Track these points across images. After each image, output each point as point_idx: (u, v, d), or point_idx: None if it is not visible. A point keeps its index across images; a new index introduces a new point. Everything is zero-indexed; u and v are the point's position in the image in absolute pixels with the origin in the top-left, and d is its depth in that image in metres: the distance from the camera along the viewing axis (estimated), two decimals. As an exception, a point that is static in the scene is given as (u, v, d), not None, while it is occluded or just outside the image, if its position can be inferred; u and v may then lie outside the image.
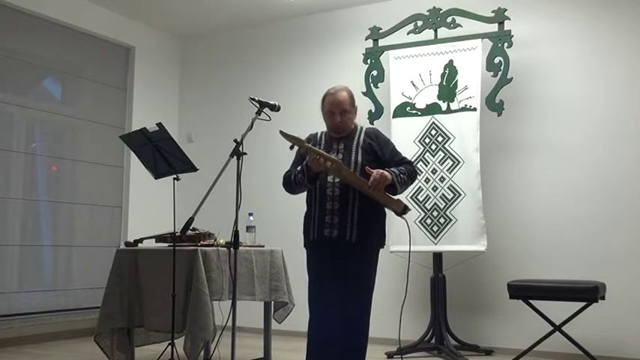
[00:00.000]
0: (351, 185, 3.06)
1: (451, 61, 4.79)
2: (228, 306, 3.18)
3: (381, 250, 3.26)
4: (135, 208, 6.07)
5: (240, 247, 3.41)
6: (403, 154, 3.26)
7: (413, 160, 4.76)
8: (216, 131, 6.24)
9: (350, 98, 3.21)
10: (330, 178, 3.11)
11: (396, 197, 3.11)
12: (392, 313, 3.90)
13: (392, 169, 3.09)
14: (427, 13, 4.99)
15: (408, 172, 3.16)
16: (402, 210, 3.09)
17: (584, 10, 4.83)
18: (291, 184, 3.23)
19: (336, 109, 3.17)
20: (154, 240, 4.02)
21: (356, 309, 3.14)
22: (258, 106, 3.19)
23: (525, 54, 4.89)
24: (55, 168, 5.58)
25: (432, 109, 4.80)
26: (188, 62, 6.73)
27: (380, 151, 3.18)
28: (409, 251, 3.45)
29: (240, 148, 3.05)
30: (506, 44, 4.68)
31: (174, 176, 3.67)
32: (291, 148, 3.06)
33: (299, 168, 3.18)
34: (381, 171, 3.01)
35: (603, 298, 3.96)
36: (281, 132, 2.98)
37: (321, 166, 3.00)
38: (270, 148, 5.08)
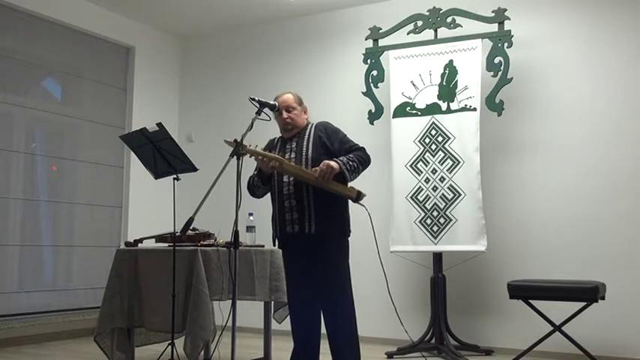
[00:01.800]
0: (302, 180, 3.18)
1: (451, 61, 4.79)
2: (228, 306, 3.18)
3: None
4: (135, 208, 6.07)
5: (240, 247, 3.41)
6: (354, 142, 3.35)
7: (412, 160, 4.78)
8: (216, 131, 6.23)
9: (295, 97, 3.42)
10: (285, 178, 3.26)
11: (348, 185, 3.24)
12: (391, 313, 3.89)
13: (340, 158, 3.20)
14: (427, 13, 4.99)
15: (358, 158, 3.25)
16: (355, 196, 3.22)
17: (584, 10, 4.83)
18: (250, 187, 3.43)
19: (282, 106, 3.36)
20: (154, 240, 4.02)
21: (334, 301, 3.19)
22: (257, 106, 3.23)
23: (525, 54, 4.90)
24: (55, 168, 5.58)
25: (432, 109, 4.80)
26: (188, 62, 6.73)
27: (329, 141, 3.29)
28: (375, 240, 3.47)
29: (240, 148, 3.05)
30: (506, 44, 4.68)
31: (174, 176, 3.67)
32: (232, 155, 3.08)
33: (255, 172, 3.38)
34: (327, 161, 3.13)
35: (603, 298, 3.96)
36: (225, 140, 3.11)
37: (267, 167, 3.18)
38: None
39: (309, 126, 3.41)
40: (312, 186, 3.19)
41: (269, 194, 3.44)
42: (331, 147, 3.28)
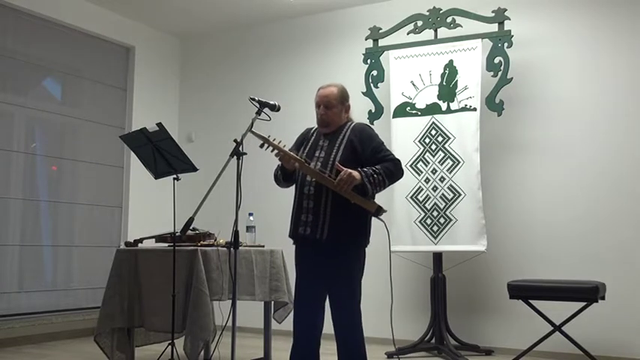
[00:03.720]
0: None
1: (451, 61, 4.79)
2: (228, 306, 3.18)
3: (367, 248, 3.22)
4: (135, 208, 6.07)
5: (240, 247, 3.41)
6: (388, 152, 3.17)
7: (412, 160, 4.78)
8: (216, 131, 6.24)
9: (339, 93, 3.21)
10: (308, 177, 3.12)
11: (370, 198, 3.05)
12: (392, 313, 3.89)
13: (365, 168, 3.03)
14: (427, 13, 4.99)
15: (387, 171, 3.07)
16: (374, 211, 3.03)
17: (583, 10, 4.83)
18: (275, 177, 3.32)
19: (322, 101, 3.21)
20: (154, 240, 4.02)
21: (341, 303, 3.15)
22: (258, 106, 3.20)
23: (525, 54, 4.90)
24: (55, 168, 5.58)
25: (432, 109, 4.80)
26: (188, 62, 6.73)
27: (360, 147, 3.12)
28: (389, 253, 3.43)
29: (240, 148, 3.05)
30: (506, 44, 4.68)
31: (174, 176, 3.67)
32: (261, 146, 3.09)
33: (279, 164, 3.25)
34: (350, 170, 2.96)
35: (603, 298, 3.96)
36: (252, 132, 3.04)
37: (290, 164, 3.08)
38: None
39: (348, 125, 3.22)
40: (333, 190, 3.03)
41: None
42: (362, 153, 3.11)
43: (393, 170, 3.11)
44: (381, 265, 3.53)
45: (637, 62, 4.62)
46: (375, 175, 3.03)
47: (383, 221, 3.13)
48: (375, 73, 5.13)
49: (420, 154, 4.78)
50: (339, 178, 2.95)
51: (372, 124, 5.08)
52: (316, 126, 3.32)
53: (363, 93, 5.14)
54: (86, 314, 5.47)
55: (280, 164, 3.24)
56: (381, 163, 3.09)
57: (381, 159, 3.11)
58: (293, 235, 3.20)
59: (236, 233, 3.08)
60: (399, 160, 3.16)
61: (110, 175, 6.01)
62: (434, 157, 4.73)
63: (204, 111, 6.51)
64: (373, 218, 3.17)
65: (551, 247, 4.73)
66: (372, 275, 3.69)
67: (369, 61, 5.16)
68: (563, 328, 3.97)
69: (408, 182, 4.77)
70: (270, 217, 5.37)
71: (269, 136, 3.07)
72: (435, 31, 4.97)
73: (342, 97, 3.23)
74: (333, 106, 3.19)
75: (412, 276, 5.09)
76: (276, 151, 3.09)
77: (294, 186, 3.28)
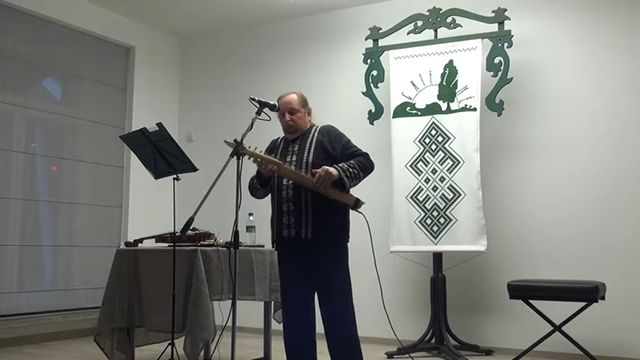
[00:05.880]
0: (301, 185, 3.14)
1: (451, 61, 4.79)
2: (228, 306, 3.18)
3: (349, 244, 3.31)
4: (135, 208, 6.07)
5: (240, 247, 3.41)
6: (358, 147, 3.29)
7: (412, 160, 4.78)
8: (216, 131, 6.23)
9: (299, 99, 3.35)
10: (284, 181, 3.21)
11: (347, 192, 3.17)
12: (391, 313, 3.89)
13: (340, 164, 3.14)
14: (427, 13, 4.99)
15: (360, 165, 3.19)
16: (354, 204, 3.16)
17: (584, 10, 4.83)
18: (250, 188, 3.41)
19: (285, 108, 3.31)
20: (154, 240, 4.02)
21: (333, 305, 3.17)
22: (258, 106, 3.22)
23: (525, 54, 4.90)
24: (55, 168, 5.58)
25: (432, 109, 4.80)
26: (188, 62, 6.73)
27: (331, 146, 3.24)
28: (372, 249, 3.39)
29: (240, 148, 3.05)
30: (506, 44, 4.68)
31: (174, 176, 3.67)
32: (237, 153, 3.09)
33: (255, 173, 3.34)
34: (327, 167, 3.07)
35: (603, 298, 3.96)
36: (225, 141, 3.11)
37: (266, 169, 3.15)
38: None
39: (314, 129, 3.35)
40: (311, 190, 3.14)
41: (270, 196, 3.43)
42: (332, 151, 3.23)
43: (366, 164, 3.23)
44: (381, 264, 3.53)
45: (637, 62, 4.62)
46: (351, 169, 3.14)
47: (362, 214, 3.20)
48: (375, 73, 5.13)
49: (420, 154, 4.78)
50: (318, 175, 3.06)
51: (372, 124, 5.10)
52: (281, 136, 3.44)
53: (363, 93, 5.14)
54: (86, 314, 5.47)
55: (255, 173, 3.33)
56: (354, 159, 3.20)
57: (352, 154, 3.23)
58: (277, 239, 3.28)
59: (236, 233, 3.09)
60: (368, 154, 3.28)
61: (110, 175, 6.00)
62: (434, 157, 4.73)
63: (204, 111, 6.51)
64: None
65: (551, 247, 4.73)
66: (371, 275, 3.69)
67: (369, 61, 5.16)
68: (563, 328, 3.97)
69: (408, 182, 4.77)
70: (270, 217, 5.36)
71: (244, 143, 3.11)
72: (435, 31, 4.96)
73: (304, 102, 3.38)
74: (297, 110, 3.32)
75: (412, 276, 5.09)
76: (252, 159, 3.15)
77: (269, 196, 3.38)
